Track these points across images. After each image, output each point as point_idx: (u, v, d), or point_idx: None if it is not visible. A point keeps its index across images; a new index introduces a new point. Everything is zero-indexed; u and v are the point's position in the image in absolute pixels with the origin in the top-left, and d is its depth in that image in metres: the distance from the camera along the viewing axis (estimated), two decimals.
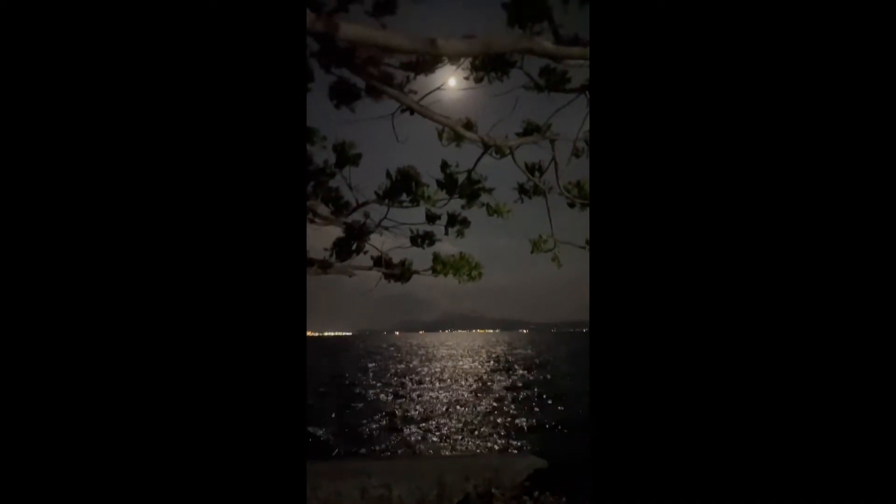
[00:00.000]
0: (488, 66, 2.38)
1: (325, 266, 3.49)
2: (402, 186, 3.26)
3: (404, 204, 3.39)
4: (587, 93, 2.40)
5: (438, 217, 3.53)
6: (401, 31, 1.64)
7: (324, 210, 3.47)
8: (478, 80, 2.49)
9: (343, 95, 2.74)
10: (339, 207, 3.48)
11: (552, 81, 2.42)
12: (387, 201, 3.38)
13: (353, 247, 3.58)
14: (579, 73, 2.34)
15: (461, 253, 3.45)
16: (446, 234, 3.59)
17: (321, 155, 3.33)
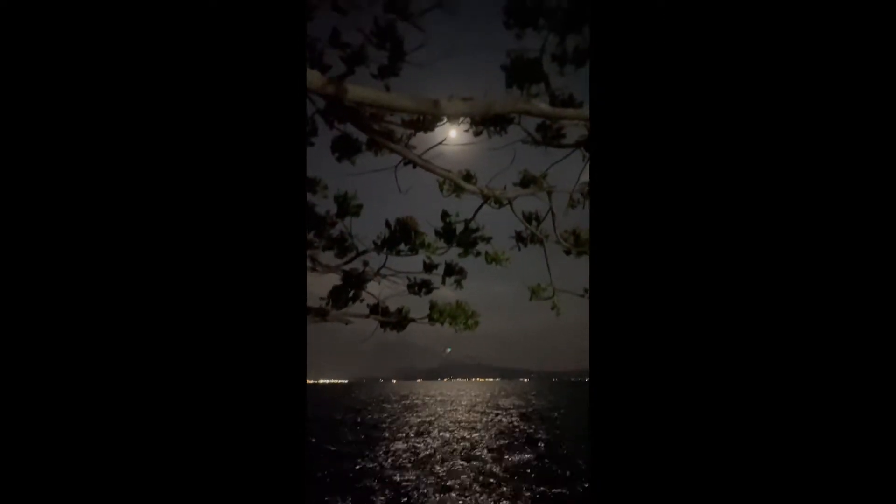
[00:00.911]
0: (488, 122, 2.49)
1: (322, 314, 3.46)
2: (402, 236, 3.30)
3: (402, 253, 3.43)
4: (582, 148, 2.51)
5: (436, 266, 3.55)
6: (406, 93, 1.73)
7: (324, 258, 3.50)
8: (477, 134, 2.60)
9: (344, 150, 2.84)
10: (343, 251, 3.51)
11: (548, 137, 2.53)
12: (385, 250, 3.41)
13: (351, 294, 3.57)
14: (574, 130, 2.45)
15: (458, 301, 3.44)
16: (443, 283, 3.60)
17: (323, 204, 3.40)
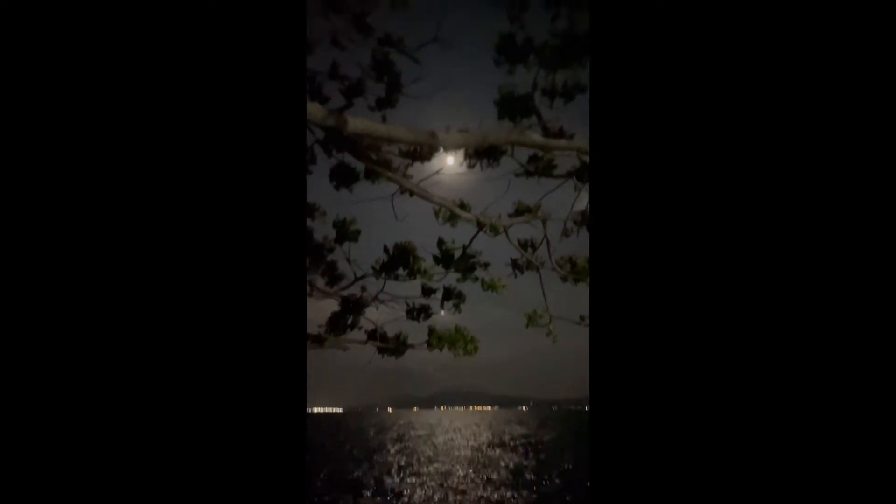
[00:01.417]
0: (482, 154, 2.57)
1: (319, 340, 3.44)
2: (400, 261, 3.33)
3: (401, 278, 3.44)
4: (574, 178, 2.58)
5: (434, 291, 3.56)
6: (404, 125, 1.80)
7: (321, 283, 3.51)
8: (471, 167, 2.67)
9: (342, 178, 2.91)
10: (335, 279, 3.52)
11: (540, 168, 2.61)
12: (383, 275, 3.43)
13: (349, 321, 3.56)
14: (566, 160, 2.53)
15: (457, 327, 3.44)
16: (442, 307, 3.60)
17: (321, 230, 3.43)
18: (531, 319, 3.33)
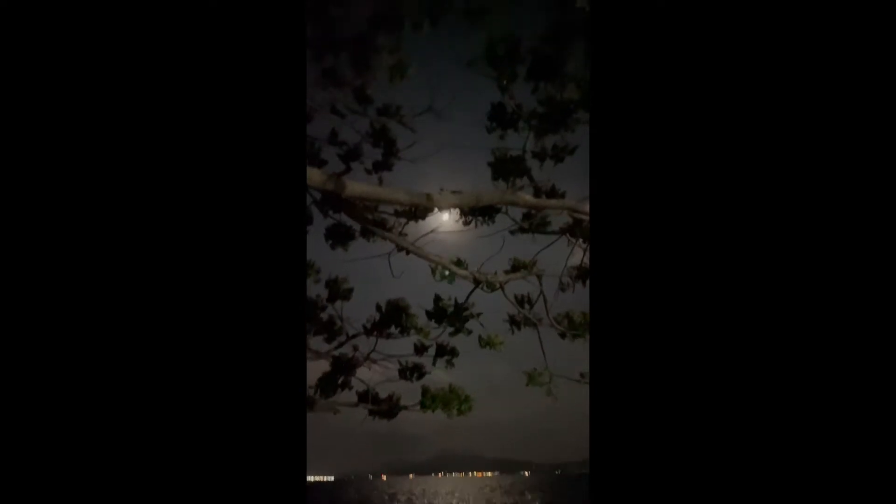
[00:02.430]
0: (476, 212, 2.65)
1: (309, 403, 3.32)
2: (392, 318, 3.29)
3: (393, 336, 3.39)
4: (568, 234, 2.64)
5: (427, 348, 3.50)
6: (399, 186, 1.86)
7: (313, 343, 3.44)
8: (466, 224, 2.73)
9: (338, 237, 2.95)
10: (327, 338, 3.46)
11: (534, 224, 2.68)
12: (375, 333, 3.37)
13: (339, 381, 3.45)
14: (559, 217, 2.61)
15: (450, 385, 3.34)
16: (434, 364, 3.51)
17: (314, 289, 3.42)
18: (531, 378, 3.25)
